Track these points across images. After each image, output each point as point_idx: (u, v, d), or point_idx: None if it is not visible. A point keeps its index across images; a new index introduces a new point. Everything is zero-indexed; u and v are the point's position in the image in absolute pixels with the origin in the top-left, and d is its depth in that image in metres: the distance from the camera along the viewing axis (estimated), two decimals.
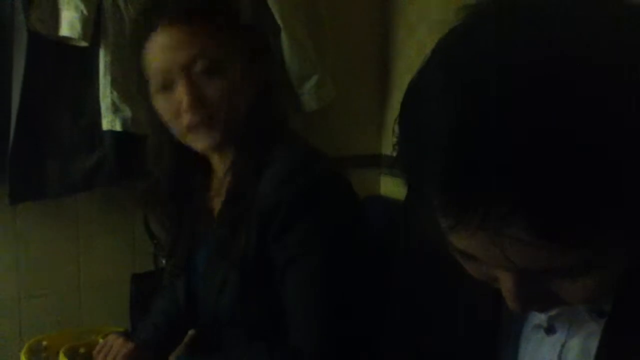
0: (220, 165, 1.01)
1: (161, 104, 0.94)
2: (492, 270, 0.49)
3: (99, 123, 1.43)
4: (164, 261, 1.17)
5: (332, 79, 1.68)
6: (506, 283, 0.48)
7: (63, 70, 1.42)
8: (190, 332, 1.11)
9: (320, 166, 0.96)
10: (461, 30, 0.48)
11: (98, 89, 1.42)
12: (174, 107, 0.92)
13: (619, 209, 0.42)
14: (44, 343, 1.17)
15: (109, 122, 1.41)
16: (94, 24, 1.37)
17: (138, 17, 1.00)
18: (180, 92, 0.91)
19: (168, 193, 1.05)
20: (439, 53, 0.48)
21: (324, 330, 0.90)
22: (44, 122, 1.41)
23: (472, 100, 0.42)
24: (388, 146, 1.90)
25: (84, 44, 1.38)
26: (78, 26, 1.34)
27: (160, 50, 0.91)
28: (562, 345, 0.56)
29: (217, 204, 1.02)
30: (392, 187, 1.78)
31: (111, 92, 1.40)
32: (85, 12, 1.34)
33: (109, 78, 1.40)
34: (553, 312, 0.56)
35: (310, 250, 0.91)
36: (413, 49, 1.72)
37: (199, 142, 0.95)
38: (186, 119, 0.92)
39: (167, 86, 0.92)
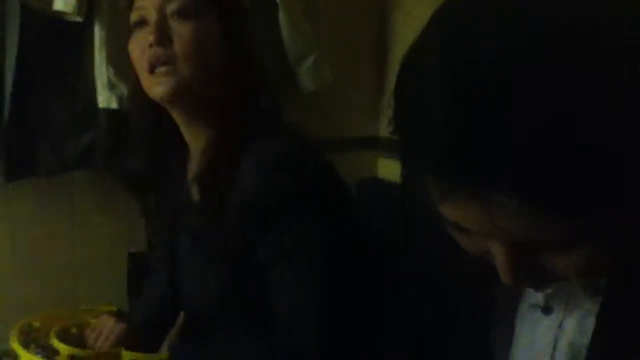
0: (196, 147, 0.97)
1: (133, 44, 0.93)
2: (485, 243, 0.49)
3: (94, 101, 1.42)
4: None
5: (329, 61, 1.67)
6: (499, 256, 0.48)
7: (57, 47, 1.40)
8: (180, 320, 1.10)
9: (311, 157, 0.92)
10: (459, 4, 0.48)
11: (93, 66, 1.41)
12: (142, 45, 0.91)
13: (610, 178, 0.42)
14: (35, 324, 1.16)
15: (104, 99, 1.40)
16: None
17: None
18: (150, 27, 0.90)
19: (146, 177, 1.02)
20: (436, 25, 0.48)
21: (324, 329, 0.88)
22: (38, 100, 1.40)
23: (466, 73, 0.43)
24: (385, 129, 1.89)
25: (78, 19, 1.36)
26: (72, 0, 1.32)
27: None
28: (559, 325, 0.56)
29: (194, 189, 0.97)
30: (389, 170, 1.77)
31: (107, 69, 1.39)
32: None
33: (104, 54, 1.38)
34: (549, 291, 0.56)
35: (304, 248, 0.88)
36: (410, 32, 1.67)
37: (157, 86, 0.91)
38: (149, 53, 0.90)
39: (141, 23, 0.92)
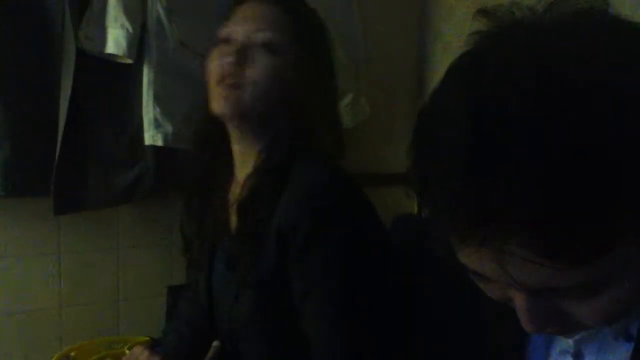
0: (242, 169, 1.01)
1: (212, 56, 0.99)
2: (504, 289, 0.48)
3: (140, 137, 1.47)
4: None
5: (367, 97, 1.70)
6: (519, 302, 0.47)
7: (108, 86, 1.46)
8: (215, 344, 1.11)
9: (343, 187, 0.94)
10: (474, 52, 0.49)
11: (141, 104, 1.46)
12: (221, 57, 0.96)
13: (620, 229, 0.42)
14: (72, 354, 1.19)
15: (150, 137, 1.45)
16: (138, 42, 1.42)
17: None
18: (233, 44, 0.96)
19: (201, 185, 1.06)
20: (453, 74, 0.49)
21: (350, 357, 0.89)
22: (88, 137, 1.46)
23: (483, 118, 0.43)
24: None
25: (128, 61, 1.42)
26: (124, 43, 1.38)
27: (240, 16, 0.99)
28: None
29: (233, 211, 1.01)
30: None
31: (154, 108, 1.44)
32: (130, 30, 1.39)
33: (151, 94, 1.44)
34: (578, 336, 0.55)
35: (336, 277, 0.89)
36: (447, 67, 1.72)
37: (221, 100, 0.95)
38: (226, 68, 0.95)
39: (227, 41, 0.98)
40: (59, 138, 1.40)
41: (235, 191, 1.02)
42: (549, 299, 0.46)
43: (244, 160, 1.01)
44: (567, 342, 0.56)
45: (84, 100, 1.43)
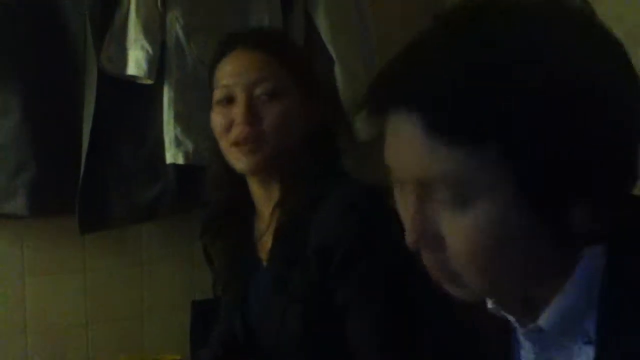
0: (265, 201, 1.02)
1: (217, 117, 1.00)
2: (403, 194, 0.54)
3: (161, 156, 1.49)
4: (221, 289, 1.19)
5: None
6: (408, 208, 0.53)
7: (129, 106, 1.49)
8: None
9: (377, 202, 0.95)
10: None
11: (161, 123, 1.48)
12: (228, 119, 0.98)
13: (495, 123, 0.47)
14: None
15: (172, 155, 1.47)
16: (158, 62, 1.44)
17: (220, 41, 1.08)
18: (239, 105, 0.97)
19: (223, 224, 1.08)
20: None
21: None
22: (111, 156, 1.48)
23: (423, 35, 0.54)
24: None
25: (149, 81, 1.45)
26: (144, 65, 1.41)
27: (230, 69, 0.99)
28: None
29: (265, 240, 1.03)
30: None
31: (174, 127, 1.46)
32: (150, 51, 1.41)
33: (172, 113, 1.46)
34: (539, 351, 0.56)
35: (373, 290, 0.92)
36: None
37: (242, 159, 0.97)
38: (237, 130, 0.96)
39: (228, 100, 0.98)
40: (83, 158, 1.43)
41: (261, 226, 1.04)
42: (429, 212, 0.52)
43: (268, 196, 1.02)
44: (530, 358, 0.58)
45: (106, 120, 1.45)
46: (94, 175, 1.45)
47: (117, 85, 1.45)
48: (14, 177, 1.42)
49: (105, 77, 1.43)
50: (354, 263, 0.92)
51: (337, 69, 1.61)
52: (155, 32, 1.43)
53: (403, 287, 0.92)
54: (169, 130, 1.47)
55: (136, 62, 1.41)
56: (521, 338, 0.59)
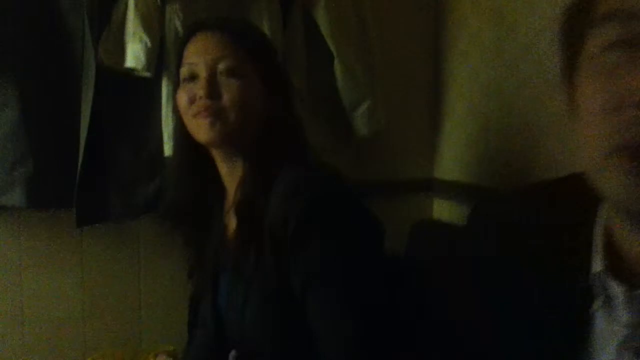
0: (231, 183, 1.06)
1: (182, 93, 1.05)
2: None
3: (160, 150, 1.49)
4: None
5: (384, 105, 1.70)
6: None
7: (128, 99, 1.49)
8: (233, 353, 1.09)
9: (326, 181, 0.99)
10: None
11: (160, 117, 1.48)
12: (191, 95, 1.03)
13: None
14: None
15: (170, 148, 1.46)
16: (157, 55, 1.44)
17: (186, 26, 1.15)
18: (201, 81, 1.02)
19: (186, 212, 1.11)
20: None
21: (353, 345, 0.92)
22: (109, 150, 1.48)
23: None
24: (440, 170, 1.90)
25: (147, 75, 1.44)
26: (142, 58, 1.41)
27: (194, 48, 1.05)
28: None
29: (231, 223, 1.06)
30: (444, 212, 1.77)
31: (173, 121, 1.45)
32: (149, 44, 1.41)
33: (170, 107, 1.44)
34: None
35: (325, 270, 0.93)
36: (464, 74, 1.72)
37: (203, 131, 1.02)
38: (199, 103, 1.01)
39: (191, 77, 1.04)
40: (81, 151, 1.43)
41: (227, 204, 1.07)
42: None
43: (232, 172, 1.06)
44: (627, 336, 0.54)
45: (104, 114, 1.45)
46: (92, 169, 1.45)
47: (115, 78, 1.45)
48: (12, 170, 1.42)
49: (103, 71, 1.43)
50: (305, 240, 0.93)
51: (336, 64, 1.61)
52: (154, 26, 1.42)
53: (360, 263, 0.94)
54: (168, 124, 1.46)
55: (134, 55, 1.41)
56: (600, 314, 0.54)
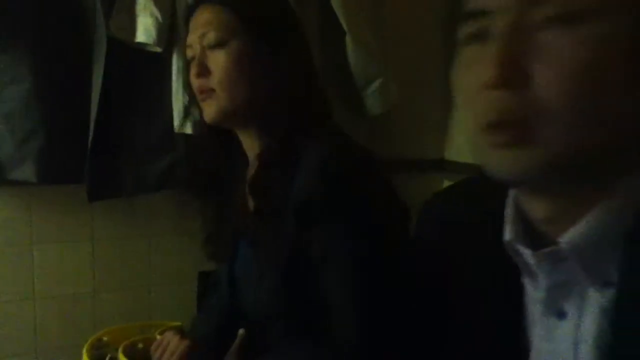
0: (252, 154, 1.03)
1: (191, 77, 1.01)
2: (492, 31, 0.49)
3: (172, 126, 1.48)
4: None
5: (396, 83, 1.69)
6: (500, 39, 0.48)
7: (139, 74, 1.48)
8: (241, 332, 1.10)
9: (354, 157, 0.95)
10: None
11: (171, 93, 1.48)
12: (193, 77, 0.99)
13: None
14: (105, 339, 1.22)
15: (180, 124, 1.47)
16: (168, 30, 1.43)
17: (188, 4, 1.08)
18: (194, 62, 0.98)
19: (208, 184, 1.09)
20: None
21: (364, 326, 0.89)
22: (120, 125, 1.48)
23: None
24: (451, 151, 1.88)
25: (158, 49, 1.44)
26: (153, 32, 1.40)
27: (191, 28, 1.01)
28: (577, 328, 0.53)
29: (250, 196, 1.02)
30: None
31: (183, 96, 1.45)
32: (160, 18, 1.40)
33: (180, 82, 1.45)
34: (558, 293, 0.54)
35: (347, 244, 0.90)
36: None
37: (205, 112, 0.99)
38: (195, 85, 0.98)
39: (192, 59, 1.00)
40: (92, 127, 1.43)
41: (249, 177, 1.03)
42: (523, 43, 0.48)
43: (252, 145, 1.03)
44: (548, 302, 0.55)
45: (115, 89, 1.45)
46: (104, 144, 1.45)
47: (126, 53, 1.44)
48: (23, 144, 1.42)
49: (115, 46, 1.42)
50: (329, 216, 0.90)
51: (348, 41, 1.59)
52: (165, 0, 1.41)
53: (382, 243, 0.92)
54: (178, 99, 1.46)
55: (145, 29, 1.40)
56: (527, 282, 0.57)
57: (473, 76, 0.51)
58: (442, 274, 0.66)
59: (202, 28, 0.98)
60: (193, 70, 0.98)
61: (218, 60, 0.96)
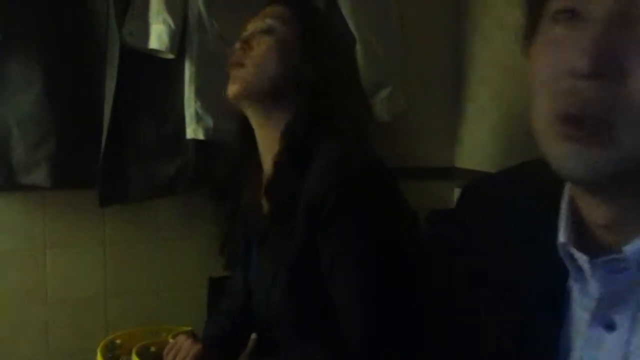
0: (267, 157, 1.05)
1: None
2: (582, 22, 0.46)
3: (182, 131, 1.49)
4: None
5: (405, 90, 1.69)
6: (598, 24, 0.44)
7: (151, 81, 1.49)
8: (253, 337, 1.11)
9: (366, 160, 0.97)
10: None
11: (183, 98, 1.49)
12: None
13: None
14: (118, 341, 1.23)
15: (192, 130, 1.47)
16: (180, 37, 1.44)
17: None
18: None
19: (224, 188, 1.13)
20: None
21: (371, 326, 0.91)
22: (132, 131, 1.49)
23: None
24: (461, 158, 1.88)
25: (170, 56, 1.45)
26: (166, 39, 1.41)
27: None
28: (627, 342, 0.50)
29: (264, 198, 1.05)
30: None
31: (195, 102, 1.46)
32: (172, 25, 1.41)
33: (193, 88, 1.46)
34: (609, 306, 0.51)
35: (355, 245, 0.92)
36: (487, 59, 1.70)
37: (230, 88, 1.04)
38: (233, 58, 1.05)
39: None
40: (104, 132, 1.44)
41: (264, 180, 1.06)
42: (621, 34, 0.44)
43: (269, 148, 1.04)
44: (596, 313, 0.53)
45: (127, 95, 1.46)
46: (115, 149, 1.46)
47: (139, 59, 1.45)
48: (36, 149, 1.43)
49: (127, 51, 1.44)
50: (340, 217, 0.92)
51: (358, 48, 1.60)
52: (177, 7, 1.43)
53: (391, 246, 0.93)
54: (190, 105, 1.47)
55: (158, 36, 1.41)
56: (574, 288, 0.54)
57: (558, 59, 0.47)
58: (474, 259, 0.64)
59: (261, 18, 1.06)
60: (237, 46, 1.05)
61: (264, 43, 1.03)
